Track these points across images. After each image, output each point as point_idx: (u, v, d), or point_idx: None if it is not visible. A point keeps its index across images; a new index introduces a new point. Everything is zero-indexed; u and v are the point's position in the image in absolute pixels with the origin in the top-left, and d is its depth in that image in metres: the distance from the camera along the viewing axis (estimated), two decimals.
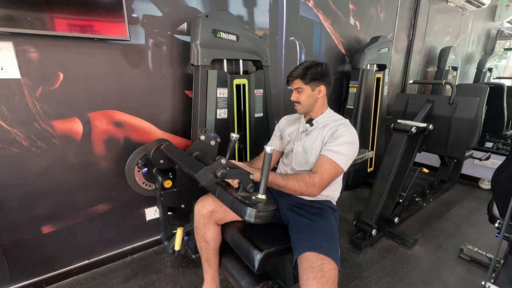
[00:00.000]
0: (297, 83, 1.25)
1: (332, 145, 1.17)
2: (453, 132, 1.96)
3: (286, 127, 1.42)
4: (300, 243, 1.06)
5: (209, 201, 1.24)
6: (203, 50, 1.51)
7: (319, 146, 1.22)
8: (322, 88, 1.25)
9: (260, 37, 1.76)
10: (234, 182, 1.01)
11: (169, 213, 1.57)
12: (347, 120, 1.28)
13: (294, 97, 1.29)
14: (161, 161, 1.41)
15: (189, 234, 1.59)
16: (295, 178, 1.10)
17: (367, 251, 1.88)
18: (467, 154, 2.21)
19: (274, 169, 1.55)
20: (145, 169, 1.53)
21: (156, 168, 1.51)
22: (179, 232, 1.52)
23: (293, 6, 2.10)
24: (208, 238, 1.26)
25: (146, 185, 1.58)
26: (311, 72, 1.22)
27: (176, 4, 1.58)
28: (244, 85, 1.76)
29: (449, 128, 1.96)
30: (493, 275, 1.35)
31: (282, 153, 1.46)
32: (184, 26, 1.64)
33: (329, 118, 1.29)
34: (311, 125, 1.30)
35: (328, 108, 1.34)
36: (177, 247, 1.52)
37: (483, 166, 2.91)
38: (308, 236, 1.08)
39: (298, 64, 1.28)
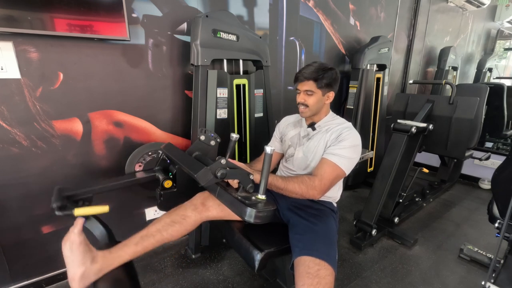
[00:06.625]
0: (309, 84, 1.17)
1: (334, 149, 1.16)
2: (453, 132, 1.95)
3: (286, 130, 1.40)
4: (297, 245, 1.05)
5: (209, 198, 1.20)
6: (203, 50, 1.51)
7: (322, 150, 1.21)
8: (332, 94, 1.22)
9: (260, 37, 1.76)
10: (234, 182, 1.01)
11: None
12: (350, 124, 1.25)
13: (301, 98, 1.20)
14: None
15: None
16: (295, 180, 1.10)
17: (367, 251, 1.87)
18: (467, 154, 2.21)
19: (274, 170, 1.53)
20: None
21: (157, 168, 1.50)
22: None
23: (293, 6, 2.09)
24: (188, 214, 1.11)
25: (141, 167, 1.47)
26: (327, 77, 1.15)
27: (176, 4, 1.58)
28: (244, 85, 1.76)
29: (449, 128, 1.96)
30: (493, 275, 1.35)
31: (282, 155, 1.45)
32: (184, 26, 1.64)
33: (331, 122, 1.27)
34: (313, 129, 1.28)
35: (330, 111, 1.31)
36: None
37: (483, 166, 2.91)
38: (306, 238, 1.07)
39: (304, 65, 1.22)
